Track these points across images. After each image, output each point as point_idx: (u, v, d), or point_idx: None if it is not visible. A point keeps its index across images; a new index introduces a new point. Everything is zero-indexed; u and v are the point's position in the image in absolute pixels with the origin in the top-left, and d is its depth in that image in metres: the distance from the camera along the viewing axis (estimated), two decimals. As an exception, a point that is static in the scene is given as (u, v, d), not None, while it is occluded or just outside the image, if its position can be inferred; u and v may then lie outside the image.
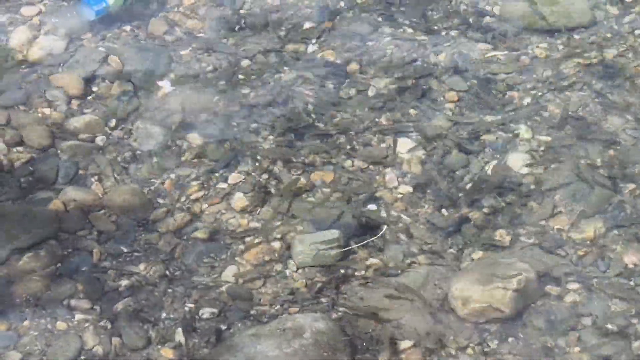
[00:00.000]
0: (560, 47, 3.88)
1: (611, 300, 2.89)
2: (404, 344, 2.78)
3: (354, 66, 3.77)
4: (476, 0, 4.10)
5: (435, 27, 3.97)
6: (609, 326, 2.83)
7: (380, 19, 4.01)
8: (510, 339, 2.80)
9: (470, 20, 4.01)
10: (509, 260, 2.98)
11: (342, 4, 4.07)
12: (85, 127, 3.46)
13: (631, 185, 3.27)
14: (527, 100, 3.62)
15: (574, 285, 2.94)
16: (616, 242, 3.08)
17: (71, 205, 3.15)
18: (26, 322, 2.81)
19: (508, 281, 2.84)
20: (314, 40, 3.89)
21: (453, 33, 3.95)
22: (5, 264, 2.96)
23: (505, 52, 3.84)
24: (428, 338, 2.79)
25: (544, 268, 2.98)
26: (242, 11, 4.03)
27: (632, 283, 2.96)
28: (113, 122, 3.49)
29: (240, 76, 3.72)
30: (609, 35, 3.94)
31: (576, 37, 3.93)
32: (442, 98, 3.63)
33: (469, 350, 2.76)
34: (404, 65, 3.77)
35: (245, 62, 3.78)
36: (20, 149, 3.36)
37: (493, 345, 2.78)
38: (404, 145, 3.42)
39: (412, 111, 3.57)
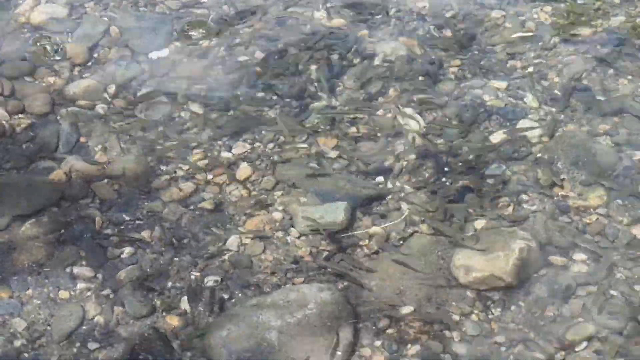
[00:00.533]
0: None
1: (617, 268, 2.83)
2: (405, 310, 2.73)
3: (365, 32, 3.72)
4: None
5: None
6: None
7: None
8: (513, 307, 2.74)
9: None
10: (511, 229, 2.91)
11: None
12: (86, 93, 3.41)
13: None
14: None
15: (579, 256, 2.87)
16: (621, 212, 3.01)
17: (73, 174, 3.09)
18: (29, 291, 2.76)
19: (510, 250, 2.78)
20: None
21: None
22: (7, 231, 2.92)
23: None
24: (429, 304, 2.74)
25: (547, 236, 2.91)
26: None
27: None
28: (112, 88, 3.43)
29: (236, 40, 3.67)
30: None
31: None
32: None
33: (474, 317, 2.71)
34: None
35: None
36: (21, 115, 3.32)
37: (497, 312, 2.71)
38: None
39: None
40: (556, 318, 2.71)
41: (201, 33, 3.69)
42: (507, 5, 3.88)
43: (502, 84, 3.49)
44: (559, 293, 2.76)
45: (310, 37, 3.67)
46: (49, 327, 2.67)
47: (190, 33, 3.69)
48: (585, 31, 3.73)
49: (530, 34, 3.73)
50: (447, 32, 3.74)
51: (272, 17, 3.79)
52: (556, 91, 3.46)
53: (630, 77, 3.51)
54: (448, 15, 3.83)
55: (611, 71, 3.54)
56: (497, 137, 3.28)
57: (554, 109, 3.38)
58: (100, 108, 3.36)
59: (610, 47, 3.63)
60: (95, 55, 3.58)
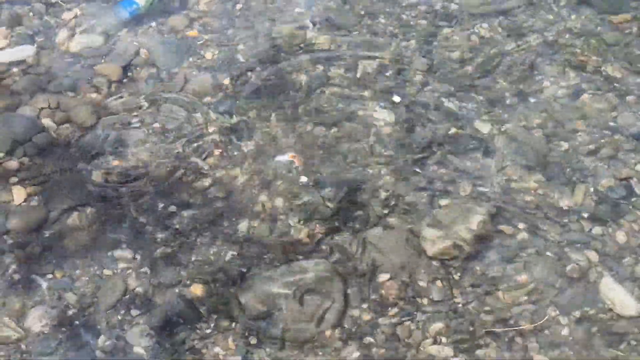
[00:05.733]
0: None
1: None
2: (383, 277, 2.72)
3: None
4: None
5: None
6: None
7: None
8: (471, 272, 2.73)
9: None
10: (469, 205, 2.90)
11: None
12: (123, 106, 3.35)
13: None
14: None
15: (521, 225, 2.87)
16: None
17: (111, 173, 3.05)
18: (78, 271, 2.75)
19: (469, 223, 2.78)
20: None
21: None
22: (58, 222, 2.88)
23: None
24: (403, 272, 2.73)
25: (497, 211, 2.91)
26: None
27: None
28: (144, 102, 3.36)
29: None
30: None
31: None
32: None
33: (438, 283, 2.69)
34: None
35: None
36: (67, 125, 3.25)
37: (457, 277, 2.71)
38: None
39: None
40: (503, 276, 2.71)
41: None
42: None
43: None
44: (506, 256, 2.76)
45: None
46: (96, 299, 2.67)
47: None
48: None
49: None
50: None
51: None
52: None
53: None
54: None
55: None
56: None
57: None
58: (134, 117, 3.30)
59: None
60: (129, 74, 3.50)
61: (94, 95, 3.38)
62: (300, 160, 3.09)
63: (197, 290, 2.67)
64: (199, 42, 3.64)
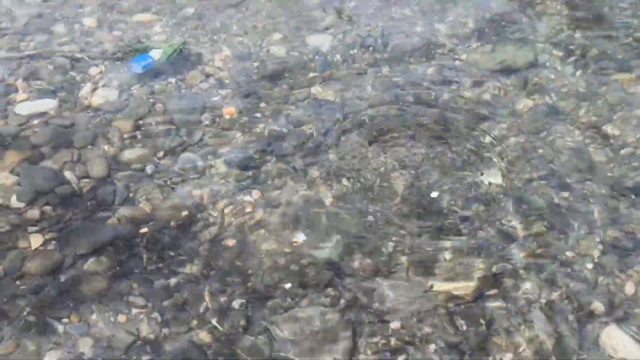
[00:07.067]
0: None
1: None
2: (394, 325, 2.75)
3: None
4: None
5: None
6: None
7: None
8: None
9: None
10: (471, 260, 2.96)
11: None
12: (136, 158, 3.46)
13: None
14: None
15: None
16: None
17: (124, 220, 3.15)
18: (94, 316, 2.80)
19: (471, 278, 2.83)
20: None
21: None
22: (74, 267, 2.96)
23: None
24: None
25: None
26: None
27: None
28: (161, 154, 3.47)
29: (257, 114, 3.70)
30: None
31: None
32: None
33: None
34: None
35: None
36: (86, 180, 3.36)
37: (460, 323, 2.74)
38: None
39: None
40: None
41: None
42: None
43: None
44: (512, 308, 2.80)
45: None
46: (111, 344, 2.71)
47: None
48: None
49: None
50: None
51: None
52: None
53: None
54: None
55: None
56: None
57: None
58: (148, 169, 3.42)
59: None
60: (143, 128, 3.63)
61: (108, 147, 3.50)
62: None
63: (205, 336, 2.72)
64: (214, 98, 3.80)
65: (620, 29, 4.31)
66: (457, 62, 4.06)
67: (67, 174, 3.35)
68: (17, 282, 2.88)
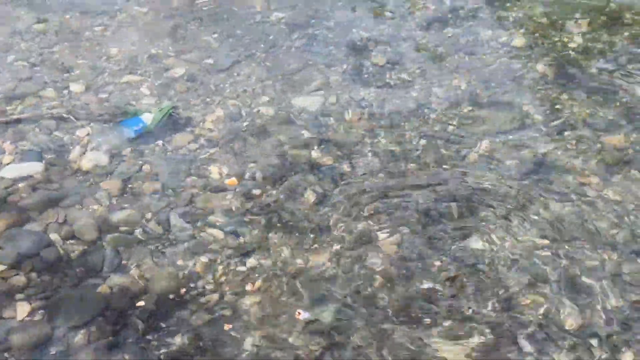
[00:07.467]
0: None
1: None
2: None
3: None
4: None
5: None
6: None
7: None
8: None
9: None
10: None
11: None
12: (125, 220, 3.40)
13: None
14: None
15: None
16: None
17: (116, 289, 3.06)
18: (87, 389, 2.69)
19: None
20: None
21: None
22: (64, 339, 2.86)
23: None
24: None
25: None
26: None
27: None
28: (149, 216, 3.41)
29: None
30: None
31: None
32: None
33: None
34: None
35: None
36: (72, 241, 3.27)
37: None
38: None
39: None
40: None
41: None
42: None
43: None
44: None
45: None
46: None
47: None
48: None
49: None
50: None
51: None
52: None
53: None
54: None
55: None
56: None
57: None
58: (138, 233, 3.34)
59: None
60: (131, 189, 3.58)
61: (97, 208, 3.43)
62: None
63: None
64: (202, 157, 3.76)
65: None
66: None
67: (52, 236, 3.27)
68: (6, 355, 2.78)
